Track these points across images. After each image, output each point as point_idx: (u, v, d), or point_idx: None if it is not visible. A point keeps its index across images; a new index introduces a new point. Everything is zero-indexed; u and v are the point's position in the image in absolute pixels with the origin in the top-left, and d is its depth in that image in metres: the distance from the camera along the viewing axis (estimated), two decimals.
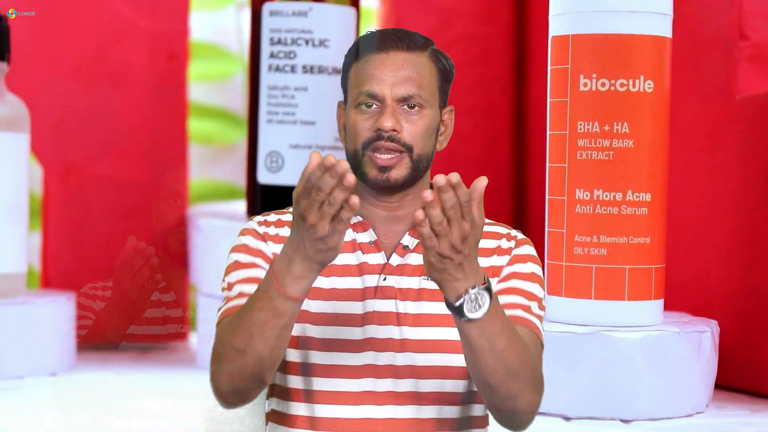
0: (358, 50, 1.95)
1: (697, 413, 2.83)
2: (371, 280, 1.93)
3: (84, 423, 2.90)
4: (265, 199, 3.41)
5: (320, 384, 1.90)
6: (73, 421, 2.90)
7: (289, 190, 3.40)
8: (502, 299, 1.91)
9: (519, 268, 1.95)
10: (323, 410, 1.90)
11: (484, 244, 1.96)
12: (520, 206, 4.12)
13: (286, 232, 1.95)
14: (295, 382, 1.92)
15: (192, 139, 4.31)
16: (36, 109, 3.67)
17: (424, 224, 1.69)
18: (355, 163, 1.93)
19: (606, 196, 2.80)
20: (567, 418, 2.76)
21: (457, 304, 1.73)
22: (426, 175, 1.96)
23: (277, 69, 3.38)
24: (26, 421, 2.88)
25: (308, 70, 3.37)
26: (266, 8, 3.38)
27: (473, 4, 4.07)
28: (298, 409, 1.92)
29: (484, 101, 4.08)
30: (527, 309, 1.91)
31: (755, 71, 3.09)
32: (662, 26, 2.81)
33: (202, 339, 3.51)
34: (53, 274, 3.81)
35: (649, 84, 2.79)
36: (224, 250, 3.39)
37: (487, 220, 2.02)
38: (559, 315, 2.85)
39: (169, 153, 3.88)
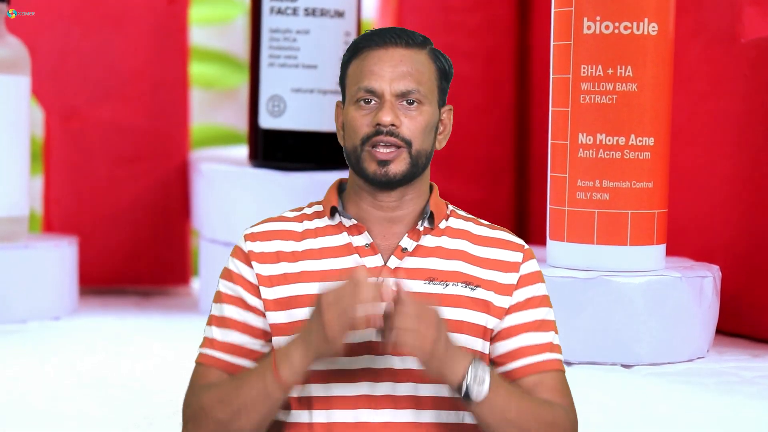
0: (357, 48, 1.94)
1: (698, 358, 2.83)
2: None
3: (86, 366, 2.91)
4: (266, 143, 3.39)
5: (317, 390, 1.89)
6: (76, 365, 2.91)
7: (290, 134, 3.40)
8: (527, 339, 1.93)
9: (534, 291, 1.96)
10: (320, 416, 1.89)
11: (487, 253, 1.95)
12: (522, 151, 4.11)
13: (272, 246, 1.94)
14: (293, 390, 1.91)
15: (193, 83, 4.30)
16: (36, 51, 3.65)
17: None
18: (354, 160, 1.91)
19: (609, 140, 2.79)
20: (568, 363, 2.77)
21: (464, 384, 1.79)
22: (425, 173, 1.95)
23: (279, 12, 3.35)
24: (29, 365, 2.89)
25: (310, 12, 3.35)
26: None
27: None
28: (296, 416, 1.91)
29: (486, 45, 4.05)
30: (553, 348, 1.94)
31: (759, 14, 3.06)
32: None
33: (203, 283, 3.52)
34: (55, 218, 3.81)
35: (654, 27, 2.77)
36: (226, 195, 3.42)
37: (485, 222, 2.01)
38: (561, 260, 2.84)
39: (170, 97, 3.86)
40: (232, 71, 4.51)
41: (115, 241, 3.82)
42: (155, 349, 3.09)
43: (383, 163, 1.89)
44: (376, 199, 1.94)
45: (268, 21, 3.37)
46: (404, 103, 1.90)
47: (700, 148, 3.20)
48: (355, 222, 1.93)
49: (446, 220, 1.97)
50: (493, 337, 1.93)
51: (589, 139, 2.80)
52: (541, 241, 3.06)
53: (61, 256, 3.39)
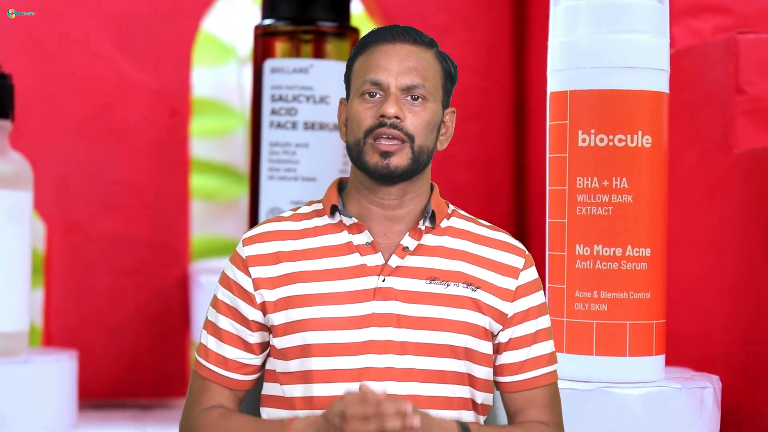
0: (364, 43, 1.96)
1: None
2: (369, 282, 1.92)
3: None
4: None
5: (320, 390, 1.89)
6: None
7: None
8: (524, 354, 1.97)
9: (533, 301, 1.98)
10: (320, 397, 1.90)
11: (489, 254, 1.96)
12: None
13: (271, 247, 1.95)
14: (296, 390, 1.91)
15: (194, 194, 4.33)
16: (39, 165, 3.69)
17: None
18: (356, 152, 1.92)
19: (606, 251, 2.80)
20: None
21: None
22: (425, 172, 1.95)
23: (279, 125, 3.39)
24: None
25: (309, 126, 3.38)
26: (267, 65, 3.40)
27: (472, 58, 4.10)
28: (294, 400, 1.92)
29: (483, 155, 4.09)
30: (550, 360, 2.00)
31: (752, 125, 3.10)
32: (659, 82, 2.82)
33: None
34: (55, 332, 3.81)
35: (648, 139, 2.80)
36: None
37: (485, 222, 2.03)
38: (561, 371, 2.83)
39: (171, 208, 3.89)
40: (233, 183, 4.55)
41: (115, 353, 3.82)
42: None
43: (385, 154, 1.89)
44: (377, 196, 1.94)
45: (267, 134, 3.40)
46: (409, 98, 1.91)
47: (697, 257, 3.21)
48: (356, 221, 1.94)
49: (447, 219, 1.98)
50: (493, 346, 1.95)
51: (586, 251, 2.81)
52: None
53: (60, 370, 3.38)
